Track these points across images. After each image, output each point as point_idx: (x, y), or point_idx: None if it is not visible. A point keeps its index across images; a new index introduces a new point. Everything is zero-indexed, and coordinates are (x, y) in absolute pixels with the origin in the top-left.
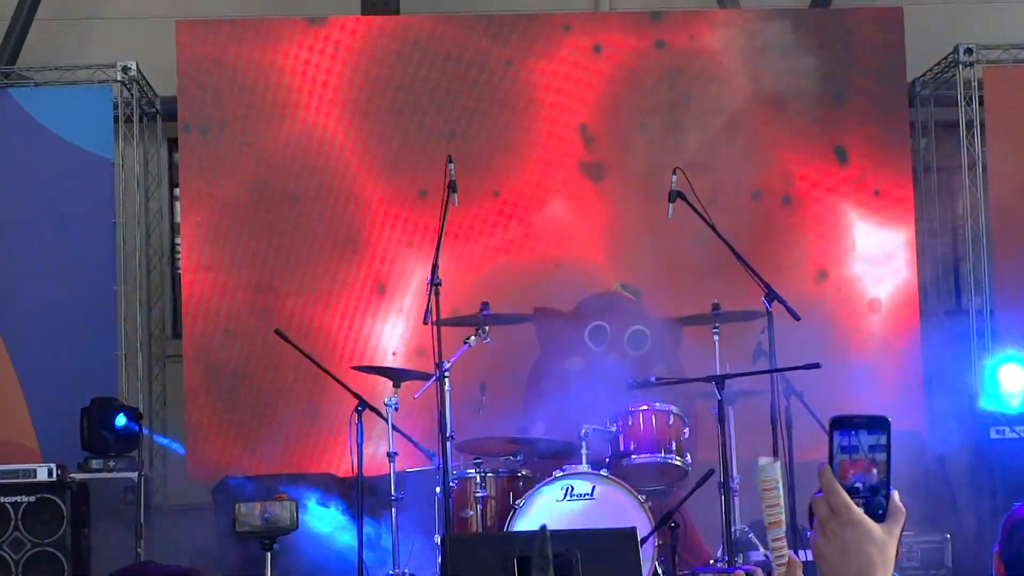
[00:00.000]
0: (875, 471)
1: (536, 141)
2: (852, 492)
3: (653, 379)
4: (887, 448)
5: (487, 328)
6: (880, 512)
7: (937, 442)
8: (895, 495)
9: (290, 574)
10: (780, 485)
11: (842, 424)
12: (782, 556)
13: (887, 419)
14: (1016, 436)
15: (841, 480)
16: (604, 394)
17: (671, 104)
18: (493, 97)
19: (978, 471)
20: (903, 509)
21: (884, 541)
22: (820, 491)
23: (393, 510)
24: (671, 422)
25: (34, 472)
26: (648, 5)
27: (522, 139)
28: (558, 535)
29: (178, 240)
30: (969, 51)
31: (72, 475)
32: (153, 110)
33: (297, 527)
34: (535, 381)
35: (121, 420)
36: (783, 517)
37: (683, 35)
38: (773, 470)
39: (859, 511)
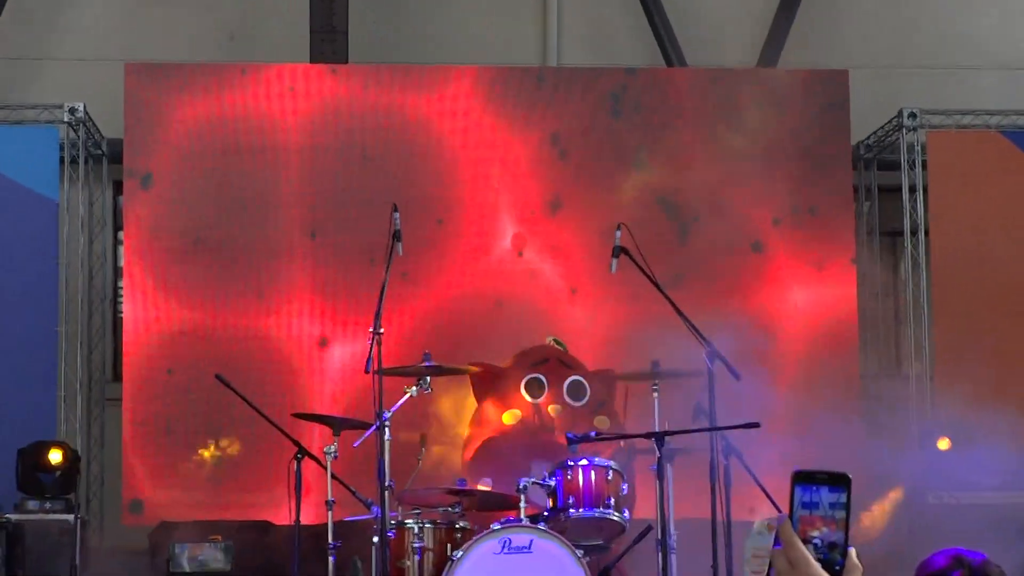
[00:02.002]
0: (834, 527)
1: (473, 195)
2: (810, 547)
3: (593, 434)
4: (847, 506)
5: (428, 379)
6: (837, 568)
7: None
8: (852, 552)
9: None
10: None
11: (804, 479)
12: None
13: (848, 477)
14: (955, 501)
15: (800, 534)
16: (545, 447)
17: (620, 155)
18: (440, 146)
19: (916, 533)
20: (860, 566)
21: None
22: (779, 543)
23: (330, 559)
24: (610, 477)
25: None
26: (594, 59)
27: (464, 189)
28: None
29: (120, 283)
30: (913, 116)
31: (8, 516)
32: (99, 152)
33: (231, 569)
34: (475, 439)
35: (56, 458)
36: None
37: (631, 92)
38: (767, 539)
39: (817, 565)
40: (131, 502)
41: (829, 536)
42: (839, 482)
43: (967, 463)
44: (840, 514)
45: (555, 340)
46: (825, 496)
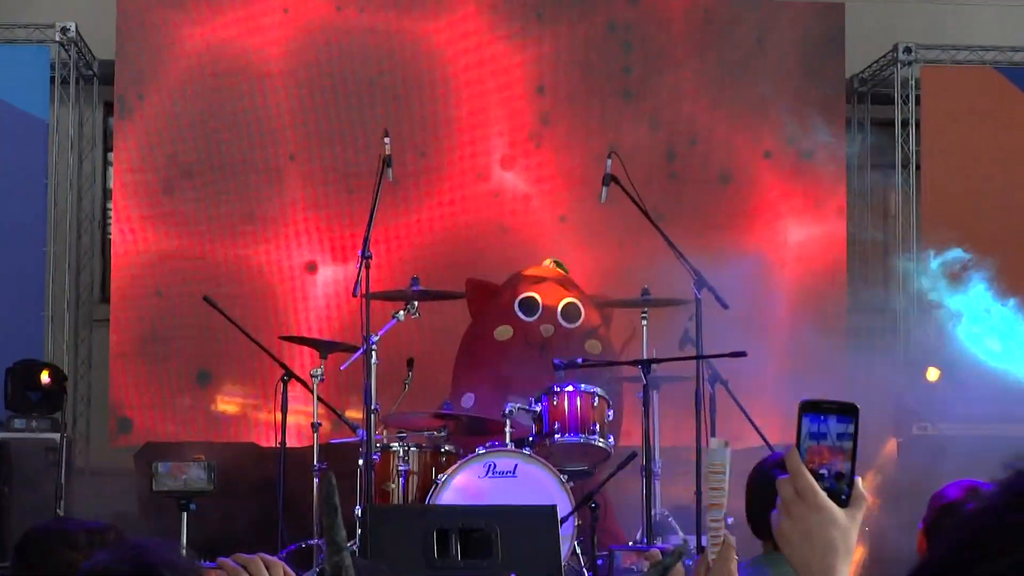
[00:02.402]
0: (842, 457)
1: (464, 120)
2: (817, 477)
3: (580, 360)
4: (854, 436)
5: (416, 303)
6: (843, 498)
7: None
8: (859, 482)
9: (207, 538)
10: (728, 469)
11: (812, 409)
12: (718, 537)
13: (857, 407)
14: (938, 433)
15: (808, 464)
16: (533, 365)
17: (614, 85)
18: (430, 69)
19: (900, 466)
20: (866, 496)
21: (847, 526)
22: (785, 473)
23: (315, 480)
24: (596, 403)
25: None
26: None
27: (456, 114)
28: (479, 511)
29: (109, 204)
30: (908, 50)
31: None
32: (90, 72)
33: (214, 488)
34: (465, 351)
35: (45, 379)
36: (724, 501)
37: (628, 12)
38: (723, 454)
39: (823, 495)
40: (119, 419)
41: (836, 466)
42: (847, 412)
43: (955, 394)
44: (847, 444)
45: (555, 262)
46: (833, 426)
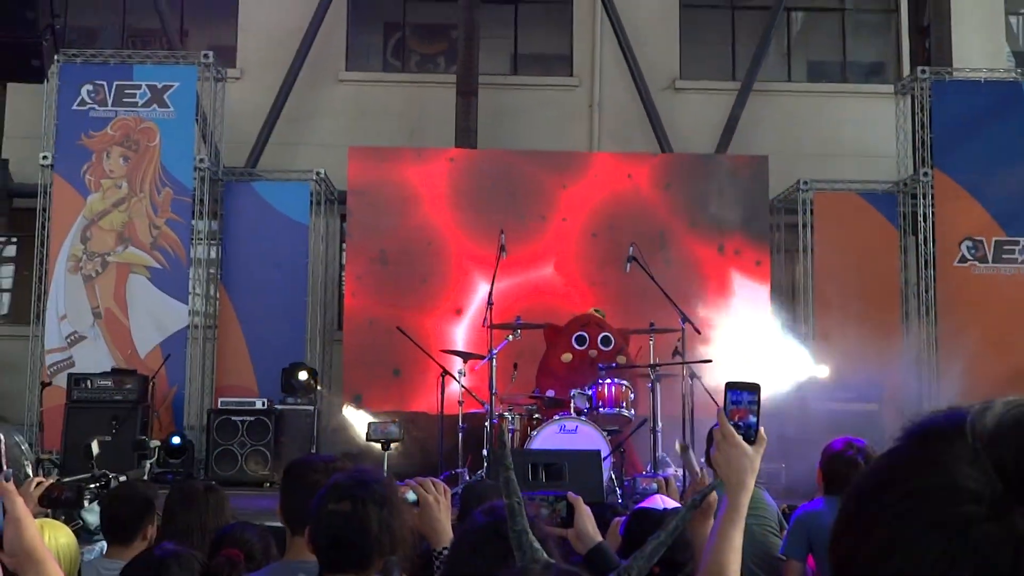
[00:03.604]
0: (751, 415)
1: (549, 225)
2: (736, 427)
3: (614, 365)
4: (758, 402)
5: (519, 331)
6: (751, 439)
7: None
8: (761, 429)
9: (399, 468)
10: (693, 457)
11: (733, 386)
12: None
13: (759, 385)
14: (825, 407)
15: (730, 419)
16: (586, 375)
17: (634, 205)
18: (530, 196)
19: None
20: (765, 438)
21: (753, 456)
22: (717, 425)
23: (459, 434)
24: (624, 390)
25: (253, 403)
26: (619, 146)
27: (542, 223)
28: (555, 453)
29: (343, 274)
30: (806, 183)
31: (276, 406)
32: (332, 197)
33: (403, 438)
34: (543, 368)
35: (304, 375)
36: (698, 468)
37: (640, 170)
38: (688, 455)
39: (739, 437)
40: (352, 397)
41: (747, 420)
42: (754, 388)
43: (840, 385)
44: (754, 407)
45: (596, 309)
46: (746, 396)
